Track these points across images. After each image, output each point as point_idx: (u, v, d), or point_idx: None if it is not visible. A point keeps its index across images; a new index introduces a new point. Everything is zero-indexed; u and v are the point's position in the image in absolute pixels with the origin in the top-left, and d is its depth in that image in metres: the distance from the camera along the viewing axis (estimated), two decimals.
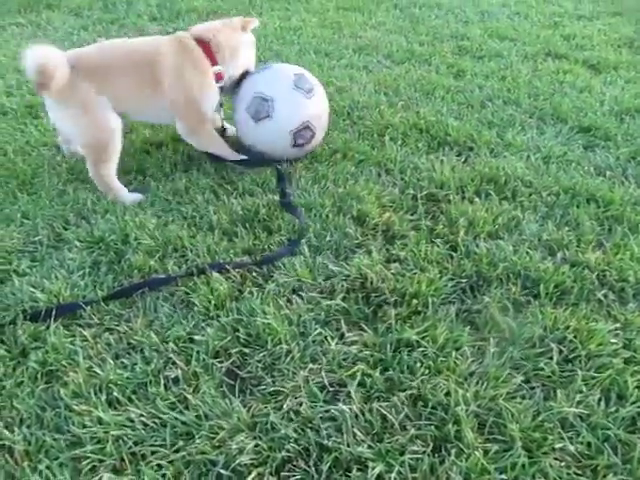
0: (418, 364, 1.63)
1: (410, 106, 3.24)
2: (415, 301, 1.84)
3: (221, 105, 2.71)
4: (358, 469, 1.37)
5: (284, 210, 2.30)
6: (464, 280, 1.96)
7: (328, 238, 2.14)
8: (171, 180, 2.53)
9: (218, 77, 2.56)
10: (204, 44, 2.54)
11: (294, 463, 1.39)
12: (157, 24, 4.87)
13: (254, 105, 2.56)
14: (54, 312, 1.79)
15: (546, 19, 5.08)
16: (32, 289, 1.92)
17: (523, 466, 1.38)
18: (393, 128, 2.94)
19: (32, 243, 2.18)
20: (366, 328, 1.78)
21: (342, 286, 1.93)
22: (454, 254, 2.08)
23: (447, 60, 3.96)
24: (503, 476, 1.36)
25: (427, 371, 1.62)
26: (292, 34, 4.49)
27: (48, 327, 1.77)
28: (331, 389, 1.58)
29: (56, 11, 5.30)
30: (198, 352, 1.67)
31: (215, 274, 1.93)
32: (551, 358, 1.68)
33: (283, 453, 1.40)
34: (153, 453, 1.41)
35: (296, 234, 2.18)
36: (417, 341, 1.70)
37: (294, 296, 1.89)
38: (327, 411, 1.51)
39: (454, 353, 1.67)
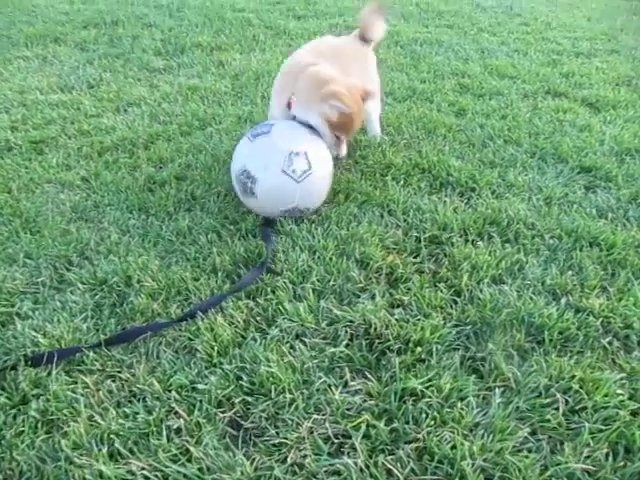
0: (423, 415, 1.62)
1: (412, 145, 3.27)
2: (419, 349, 1.83)
3: None
4: None
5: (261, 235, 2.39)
6: (468, 326, 1.95)
7: (332, 282, 2.13)
8: (174, 220, 2.53)
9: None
10: None
11: None
12: (162, 59, 4.94)
13: (240, 181, 2.47)
14: (49, 358, 1.78)
15: (545, 57, 5.16)
16: (34, 333, 1.90)
17: None
18: (395, 168, 2.96)
19: (34, 284, 2.17)
20: (370, 376, 1.77)
21: (346, 332, 1.92)
22: (458, 299, 2.07)
23: (448, 98, 4.00)
24: None
25: (432, 422, 1.60)
26: None
27: (49, 373, 1.75)
28: (336, 441, 1.57)
29: (62, 45, 5.37)
30: (201, 401, 1.65)
31: (219, 319, 1.93)
32: (557, 409, 1.66)
33: None
34: None
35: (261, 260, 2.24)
36: (422, 391, 1.69)
37: (297, 342, 1.88)
38: (332, 465, 1.49)
39: (459, 403, 1.66)
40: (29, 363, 1.78)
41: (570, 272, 2.23)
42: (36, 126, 3.54)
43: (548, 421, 1.63)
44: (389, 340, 1.88)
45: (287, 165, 2.37)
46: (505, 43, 5.54)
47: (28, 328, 1.93)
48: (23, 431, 1.58)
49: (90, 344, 1.85)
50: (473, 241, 2.39)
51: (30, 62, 4.90)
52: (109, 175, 2.92)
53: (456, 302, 2.06)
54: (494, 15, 6.74)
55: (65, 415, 1.62)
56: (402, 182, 2.84)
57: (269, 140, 2.45)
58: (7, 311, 2.03)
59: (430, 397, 1.67)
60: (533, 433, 1.61)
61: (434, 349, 1.83)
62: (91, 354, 1.81)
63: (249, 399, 1.67)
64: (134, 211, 2.62)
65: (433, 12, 6.75)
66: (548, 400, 1.68)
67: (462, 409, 1.64)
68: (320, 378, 1.74)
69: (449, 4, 7.23)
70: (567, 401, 1.69)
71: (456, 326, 1.96)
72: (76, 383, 1.73)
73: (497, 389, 1.72)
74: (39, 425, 1.60)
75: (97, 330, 1.94)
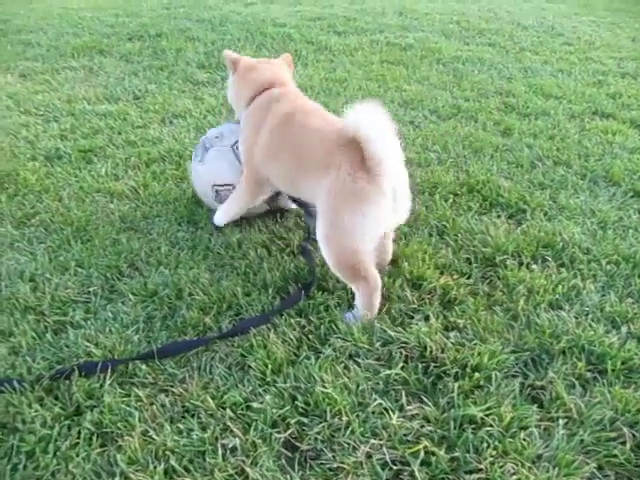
0: (484, 444, 1.57)
1: (459, 164, 3.23)
2: (477, 375, 1.78)
3: None
4: None
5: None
6: (526, 353, 1.89)
7: (385, 302, 2.09)
8: (223, 233, 2.52)
9: None
10: None
11: None
12: (205, 72, 4.99)
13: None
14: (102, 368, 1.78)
15: (590, 77, 5.08)
16: (87, 343, 1.91)
17: None
18: (443, 187, 2.92)
19: (86, 293, 2.18)
20: (426, 401, 1.72)
21: (400, 354, 1.88)
22: (514, 324, 2.02)
23: (493, 117, 3.96)
24: None
25: (494, 452, 1.55)
26: (338, 86, 4.55)
27: (102, 385, 1.74)
28: (394, 467, 1.52)
29: (108, 56, 5.47)
30: (256, 421, 1.62)
31: (272, 336, 1.90)
32: (624, 443, 1.60)
33: None
34: None
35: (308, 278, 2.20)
36: (482, 419, 1.64)
37: (351, 362, 1.84)
38: None
39: (521, 433, 1.60)
40: (82, 373, 1.77)
41: (630, 299, 2.16)
42: (84, 135, 3.59)
43: (615, 456, 1.56)
44: (445, 364, 1.83)
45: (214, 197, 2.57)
46: (548, 62, 5.48)
47: (81, 338, 1.93)
48: (78, 443, 1.57)
49: (142, 355, 1.85)
50: (528, 264, 2.33)
51: (77, 72, 4.99)
52: (157, 186, 2.93)
53: (513, 327, 2.01)
54: (535, 34, 6.68)
55: (119, 429, 1.60)
56: (451, 201, 2.79)
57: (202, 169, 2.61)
58: (60, 319, 2.04)
59: (491, 426, 1.62)
60: (600, 468, 1.54)
61: (493, 376, 1.78)
62: (144, 367, 1.80)
63: (304, 420, 1.64)
64: (182, 223, 2.62)
65: (474, 30, 6.72)
66: (614, 434, 1.62)
67: (524, 440, 1.59)
68: (375, 401, 1.70)
69: (489, 22, 7.19)
70: (634, 435, 1.62)
71: (514, 352, 1.90)
72: (129, 396, 1.71)
73: (560, 420, 1.66)
74: (94, 438, 1.59)
75: (148, 342, 1.94)
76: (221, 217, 2.49)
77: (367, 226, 1.93)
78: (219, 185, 2.53)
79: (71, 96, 4.35)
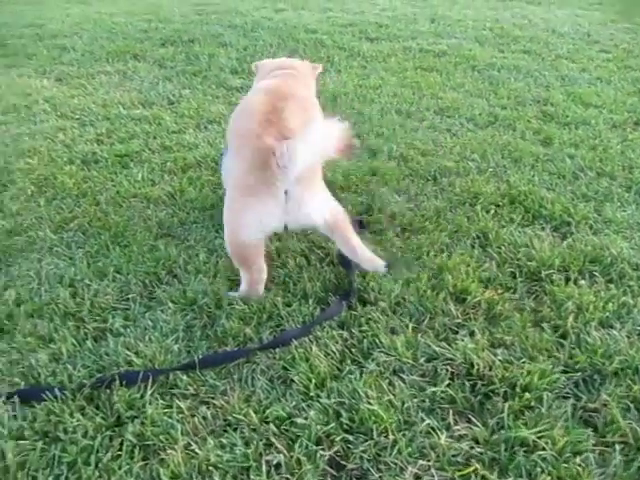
0: (538, 469, 1.50)
1: (498, 174, 3.16)
2: (527, 395, 1.71)
3: None
4: None
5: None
6: (577, 373, 1.82)
7: (428, 316, 2.04)
8: None
9: None
10: None
11: None
12: (238, 77, 4.98)
13: None
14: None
15: (630, 85, 4.95)
16: (127, 351, 1.89)
17: None
18: (484, 197, 2.86)
19: (125, 300, 2.16)
20: (475, 420, 1.67)
21: (446, 370, 1.82)
22: (564, 342, 1.95)
23: (532, 126, 3.87)
24: None
25: (549, 478, 1.48)
26: (372, 93, 4.51)
27: (142, 395, 1.72)
28: None
29: (142, 61, 5.50)
30: (300, 437, 1.58)
31: (314, 349, 1.86)
32: None
33: None
34: None
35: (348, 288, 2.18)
36: (534, 441, 1.57)
37: (395, 378, 1.80)
38: None
39: (576, 459, 1.54)
40: (123, 382, 1.75)
41: None
42: (120, 140, 3.61)
43: None
44: (493, 383, 1.77)
45: None
46: (586, 70, 5.36)
47: (121, 346, 1.91)
48: (120, 455, 1.54)
49: (183, 365, 1.82)
50: (575, 280, 2.25)
51: (111, 77, 5.03)
52: (193, 192, 2.92)
53: (562, 345, 1.94)
54: (571, 41, 6.55)
55: (162, 441, 1.57)
56: (492, 212, 2.73)
57: None
58: (100, 326, 2.03)
59: (544, 449, 1.55)
60: None
61: (544, 396, 1.71)
62: (184, 377, 1.77)
63: (349, 437, 1.59)
64: (220, 230, 2.58)
65: (508, 37, 6.62)
66: None
67: (579, 465, 1.52)
68: (422, 420, 1.65)
69: (524, 29, 7.08)
70: None
71: (564, 372, 1.83)
72: (171, 407, 1.68)
73: (616, 445, 1.59)
74: (136, 450, 1.56)
75: (188, 352, 1.91)
76: None
77: (252, 221, 2.02)
78: None
79: (106, 100, 4.37)
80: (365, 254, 2.22)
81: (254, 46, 5.94)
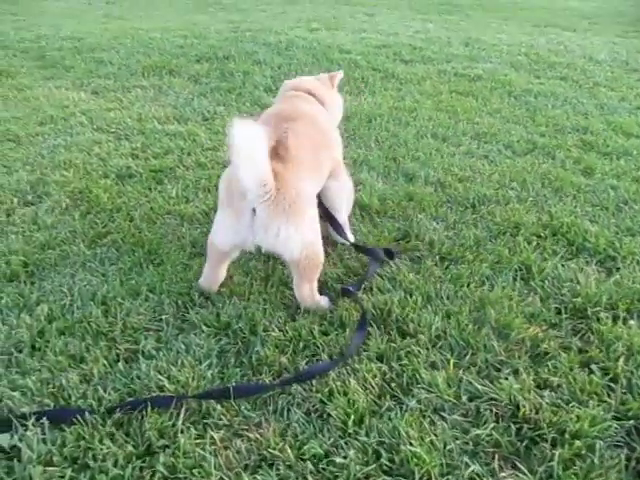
0: None
1: (539, 203, 3.07)
2: (578, 442, 1.62)
3: None
4: None
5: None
6: (630, 421, 1.72)
7: (469, 352, 1.96)
8: None
9: None
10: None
11: None
12: (273, 96, 4.97)
13: None
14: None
15: None
16: (159, 376, 1.83)
17: None
18: (525, 228, 2.77)
19: (157, 321, 2.12)
20: (521, 467, 1.58)
21: (490, 411, 1.73)
22: (614, 386, 1.85)
23: (572, 155, 3.78)
24: None
25: None
26: (407, 115, 4.46)
27: (174, 424, 1.66)
28: None
29: (177, 77, 5.54)
30: (338, 477, 1.51)
31: (352, 382, 1.79)
32: None
33: None
34: None
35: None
36: None
37: (437, 417, 1.71)
38: None
39: None
40: (155, 409, 1.70)
41: None
42: (155, 155, 3.60)
43: None
44: (541, 427, 1.68)
45: None
46: (625, 99, 5.26)
47: (153, 369, 1.86)
48: None
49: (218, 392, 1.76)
50: (624, 319, 2.15)
51: (147, 91, 5.06)
52: None
53: (613, 390, 1.84)
54: (609, 69, 6.45)
55: (194, 475, 1.51)
56: (534, 244, 2.64)
57: None
58: (132, 348, 1.98)
59: None
60: None
61: (597, 445, 1.62)
62: (218, 407, 1.71)
63: None
64: (252, 253, 2.54)
65: (544, 63, 6.55)
66: None
67: None
68: (466, 464, 1.56)
69: (559, 55, 7.00)
70: None
71: (616, 418, 1.73)
72: (203, 438, 1.62)
73: None
74: None
75: (222, 379, 1.85)
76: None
77: (222, 230, 2.10)
78: None
79: (141, 115, 4.39)
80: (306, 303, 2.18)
81: (288, 65, 5.96)
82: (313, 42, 7.05)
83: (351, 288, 2.23)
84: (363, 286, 2.30)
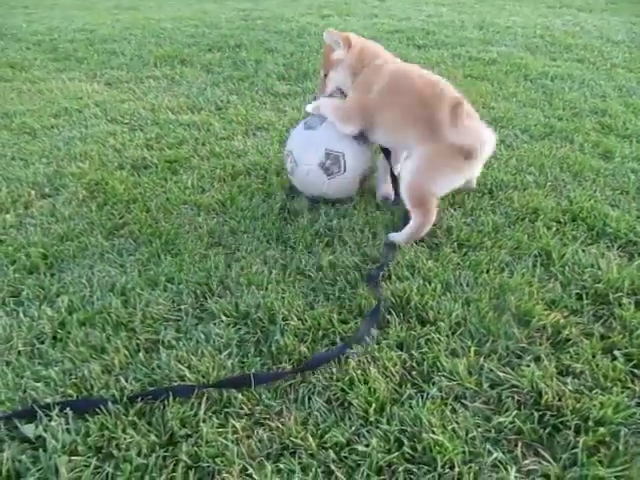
0: None
1: (558, 188, 3.03)
2: (602, 429, 1.60)
3: None
4: None
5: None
6: None
7: (490, 339, 1.94)
8: (314, 253, 2.43)
9: None
10: None
11: None
12: (285, 83, 4.96)
13: (287, 160, 2.89)
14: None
15: None
16: (179, 365, 1.84)
17: None
18: (544, 213, 2.74)
19: (177, 311, 2.12)
20: (545, 454, 1.57)
21: (512, 398, 1.72)
22: (638, 372, 1.83)
23: (590, 138, 3.72)
24: None
25: None
26: None
27: (196, 414, 1.67)
28: None
29: (189, 66, 5.53)
30: (360, 465, 1.51)
31: (373, 370, 1.79)
32: None
33: None
34: None
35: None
36: None
37: (458, 405, 1.70)
38: None
39: None
40: (176, 398, 1.71)
41: None
42: (170, 145, 3.60)
43: None
44: (564, 414, 1.66)
45: (323, 161, 2.73)
46: None
47: (173, 359, 1.87)
48: (174, 477, 1.49)
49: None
50: None
51: (159, 82, 5.06)
52: (244, 200, 2.87)
53: (637, 376, 1.82)
54: (627, 50, 6.33)
55: (217, 464, 1.52)
56: (554, 229, 2.61)
57: (316, 134, 2.80)
58: (152, 338, 1.99)
59: None
60: None
61: (621, 432, 1.60)
62: (239, 396, 1.72)
63: (412, 468, 1.51)
64: (271, 241, 2.54)
65: (560, 45, 6.44)
66: None
67: None
68: (489, 452, 1.56)
69: (576, 37, 6.88)
70: None
71: (639, 405, 1.71)
72: (225, 427, 1.63)
73: None
74: (190, 473, 1.51)
75: (242, 368, 1.85)
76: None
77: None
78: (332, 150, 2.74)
79: (155, 105, 4.39)
80: None
81: (301, 52, 5.92)
82: (325, 29, 6.98)
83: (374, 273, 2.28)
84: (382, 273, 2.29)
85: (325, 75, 2.89)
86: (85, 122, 4.03)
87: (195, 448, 1.56)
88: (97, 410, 1.66)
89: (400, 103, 2.59)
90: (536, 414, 1.68)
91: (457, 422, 1.64)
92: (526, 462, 1.55)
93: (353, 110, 2.71)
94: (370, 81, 2.69)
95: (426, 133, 2.47)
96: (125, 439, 1.58)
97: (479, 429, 1.63)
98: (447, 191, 2.62)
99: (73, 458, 1.53)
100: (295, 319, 2.03)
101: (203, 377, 1.80)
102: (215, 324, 2.04)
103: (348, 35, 2.83)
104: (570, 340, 1.96)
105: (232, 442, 1.58)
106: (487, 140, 2.51)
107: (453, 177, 2.54)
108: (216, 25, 7.31)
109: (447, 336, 1.96)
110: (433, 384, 1.77)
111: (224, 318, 2.06)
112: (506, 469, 1.51)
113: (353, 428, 1.62)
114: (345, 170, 2.74)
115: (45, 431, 1.61)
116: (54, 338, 2.00)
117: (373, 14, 8.39)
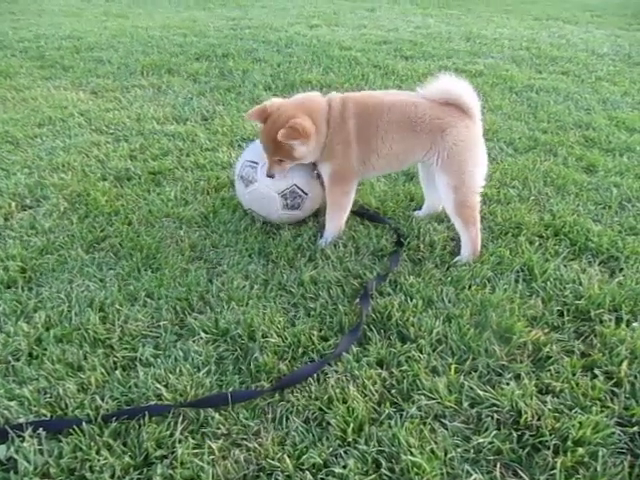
0: None
1: (541, 202, 3.04)
2: (581, 450, 1.60)
3: None
4: None
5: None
6: (634, 427, 1.70)
7: (471, 356, 1.94)
8: (296, 268, 2.41)
9: None
10: None
11: None
12: (272, 94, 4.95)
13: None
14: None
15: None
16: (157, 384, 1.82)
17: None
18: (527, 228, 2.74)
19: (155, 327, 2.10)
20: (523, 475, 1.56)
21: (491, 418, 1.71)
22: (618, 391, 1.82)
23: (574, 152, 3.74)
24: None
25: None
26: None
27: (172, 434, 1.65)
28: None
29: (175, 76, 5.51)
30: None
31: (352, 389, 1.77)
32: None
33: None
34: None
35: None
36: None
37: (437, 424, 1.69)
38: None
39: None
40: (152, 418, 1.68)
41: None
42: (154, 156, 3.57)
43: None
44: (543, 434, 1.66)
45: (286, 194, 2.64)
46: (628, 94, 5.21)
47: (151, 377, 1.84)
48: None
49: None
50: (627, 321, 2.13)
51: (146, 91, 5.03)
52: (226, 214, 2.86)
53: (616, 395, 1.82)
54: (611, 63, 6.40)
55: None
56: (537, 244, 2.61)
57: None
58: (129, 355, 1.96)
59: None
60: None
61: (599, 452, 1.59)
62: (216, 415, 1.70)
63: None
64: (254, 255, 2.52)
65: (545, 58, 6.50)
66: None
67: None
68: (467, 473, 1.55)
69: (561, 49, 6.95)
70: None
71: (619, 424, 1.71)
72: (202, 448, 1.61)
73: None
74: None
75: (220, 387, 1.83)
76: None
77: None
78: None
79: (140, 115, 4.36)
80: None
81: (288, 62, 5.92)
82: (313, 39, 7.01)
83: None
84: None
85: (280, 160, 2.52)
86: (69, 132, 3.99)
87: (170, 470, 1.54)
88: (71, 430, 1.63)
89: (390, 129, 2.50)
90: (515, 434, 1.67)
91: (436, 442, 1.63)
92: None
93: (347, 173, 2.57)
94: (344, 138, 2.48)
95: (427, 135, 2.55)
96: (99, 461, 1.56)
97: (458, 449, 1.62)
98: (484, 169, 2.59)
99: None
100: (275, 336, 2.01)
101: (181, 395, 1.78)
102: (194, 341, 2.02)
103: (304, 127, 2.37)
104: (551, 358, 1.96)
105: (208, 463, 1.56)
106: (463, 86, 2.73)
107: (477, 150, 2.66)
108: (204, 34, 7.30)
109: (428, 354, 1.95)
110: (413, 403, 1.76)
111: (203, 335, 2.04)
112: None
113: (331, 449, 1.61)
114: (301, 210, 2.71)
115: (17, 452, 1.58)
116: (30, 355, 1.96)
117: (362, 24, 8.44)
